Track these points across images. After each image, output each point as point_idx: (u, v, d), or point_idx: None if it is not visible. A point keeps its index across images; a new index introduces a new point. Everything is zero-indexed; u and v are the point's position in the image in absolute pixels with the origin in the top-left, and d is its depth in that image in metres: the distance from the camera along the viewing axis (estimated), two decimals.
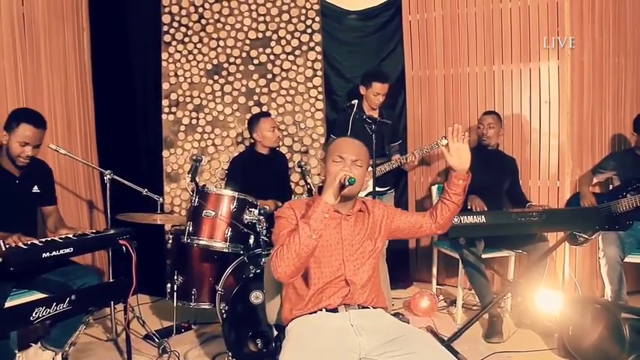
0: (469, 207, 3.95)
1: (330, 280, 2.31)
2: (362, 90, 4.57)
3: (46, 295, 2.97)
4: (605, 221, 3.55)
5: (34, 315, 2.63)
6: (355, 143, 2.47)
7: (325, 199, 2.16)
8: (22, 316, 2.62)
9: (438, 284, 4.72)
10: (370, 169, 4.18)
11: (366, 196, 4.05)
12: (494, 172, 4.32)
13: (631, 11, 4.62)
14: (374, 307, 2.36)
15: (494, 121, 4.36)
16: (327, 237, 2.32)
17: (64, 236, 2.94)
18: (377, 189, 4.37)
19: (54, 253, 2.77)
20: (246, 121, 4.52)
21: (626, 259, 3.93)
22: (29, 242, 2.79)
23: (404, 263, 5.18)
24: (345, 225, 2.39)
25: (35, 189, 3.41)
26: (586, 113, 4.57)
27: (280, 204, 4.20)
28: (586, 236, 3.60)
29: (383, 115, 4.56)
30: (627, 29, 4.63)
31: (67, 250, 2.84)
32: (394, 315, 3.38)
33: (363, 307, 2.32)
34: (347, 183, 2.16)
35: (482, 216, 3.33)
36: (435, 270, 4.66)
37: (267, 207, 3.96)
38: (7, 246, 2.66)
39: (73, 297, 2.81)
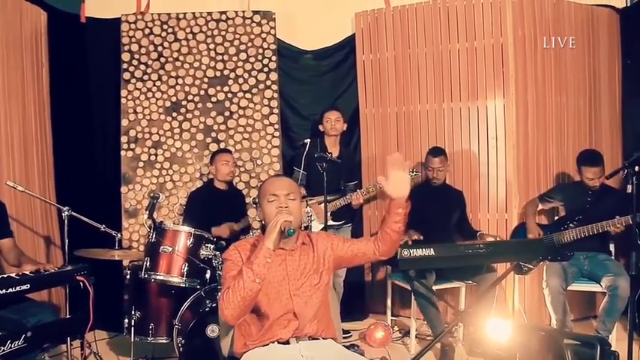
0: (407, 241, 4.04)
1: (280, 315, 2.36)
2: (321, 127, 4.79)
3: (0, 333, 2.93)
4: (549, 252, 3.70)
5: None
6: (283, 179, 2.57)
7: (267, 244, 2.22)
8: None
9: (393, 315, 4.82)
10: (316, 202, 4.38)
11: (321, 229, 4.14)
12: (443, 207, 4.48)
13: (570, 52, 4.89)
14: (324, 338, 2.42)
15: (443, 163, 4.45)
16: (273, 274, 2.36)
17: (20, 273, 2.94)
18: (332, 223, 4.50)
19: (10, 290, 2.74)
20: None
21: (570, 288, 4.09)
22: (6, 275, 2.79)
23: (360, 295, 5.25)
24: (290, 260, 2.43)
25: None
26: (531, 148, 4.77)
27: (236, 227, 4.29)
28: (530, 266, 3.75)
29: (342, 151, 4.77)
30: (568, 69, 4.89)
31: (24, 287, 2.82)
32: (349, 347, 3.47)
33: (313, 339, 2.39)
34: (287, 234, 2.26)
35: (432, 248, 3.40)
36: (389, 302, 4.74)
37: (223, 234, 4.06)
38: None
39: (28, 334, 2.77)
